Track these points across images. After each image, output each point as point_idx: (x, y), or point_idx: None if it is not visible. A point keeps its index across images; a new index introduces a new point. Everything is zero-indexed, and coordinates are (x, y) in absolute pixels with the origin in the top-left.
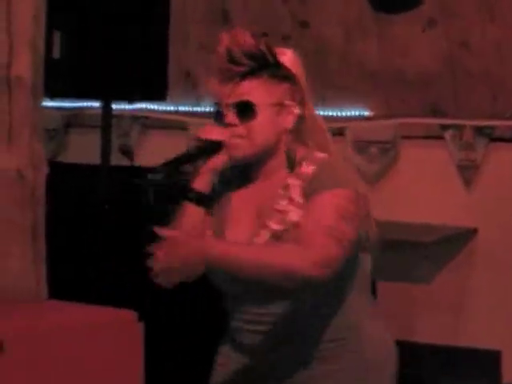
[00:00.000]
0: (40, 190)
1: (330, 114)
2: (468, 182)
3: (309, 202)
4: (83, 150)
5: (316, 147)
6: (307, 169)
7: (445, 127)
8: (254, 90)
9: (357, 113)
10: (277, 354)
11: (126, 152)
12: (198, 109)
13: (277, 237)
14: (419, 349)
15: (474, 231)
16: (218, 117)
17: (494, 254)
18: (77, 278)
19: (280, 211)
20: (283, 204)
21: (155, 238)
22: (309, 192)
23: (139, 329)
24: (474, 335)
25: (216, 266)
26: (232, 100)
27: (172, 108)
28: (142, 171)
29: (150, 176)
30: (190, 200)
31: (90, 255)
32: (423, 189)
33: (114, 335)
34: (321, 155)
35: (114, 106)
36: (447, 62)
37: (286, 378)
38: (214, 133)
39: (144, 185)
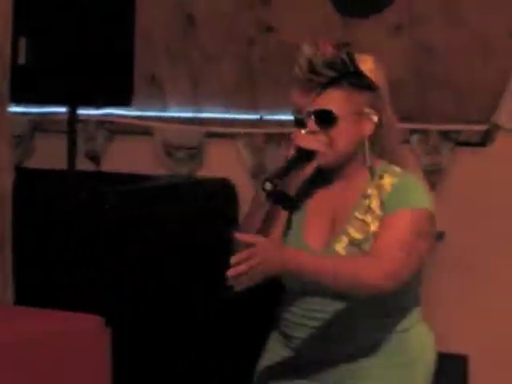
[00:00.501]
0: (7, 196)
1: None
2: (434, 186)
3: (387, 216)
4: (50, 155)
5: (390, 154)
6: (387, 181)
7: (411, 132)
8: (335, 100)
9: None
10: (324, 349)
11: (93, 157)
12: (164, 114)
13: (355, 244)
14: None
15: (441, 235)
16: (298, 125)
17: (460, 258)
18: (44, 285)
19: (360, 220)
20: (363, 213)
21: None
22: (387, 205)
23: (106, 335)
24: (441, 340)
25: (291, 276)
26: (313, 108)
27: (138, 113)
28: (108, 177)
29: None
30: (285, 207)
31: (58, 261)
32: None
33: (80, 341)
34: (399, 169)
35: (80, 112)
36: (413, 67)
37: (328, 371)
38: (310, 141)
39: (109, 192)
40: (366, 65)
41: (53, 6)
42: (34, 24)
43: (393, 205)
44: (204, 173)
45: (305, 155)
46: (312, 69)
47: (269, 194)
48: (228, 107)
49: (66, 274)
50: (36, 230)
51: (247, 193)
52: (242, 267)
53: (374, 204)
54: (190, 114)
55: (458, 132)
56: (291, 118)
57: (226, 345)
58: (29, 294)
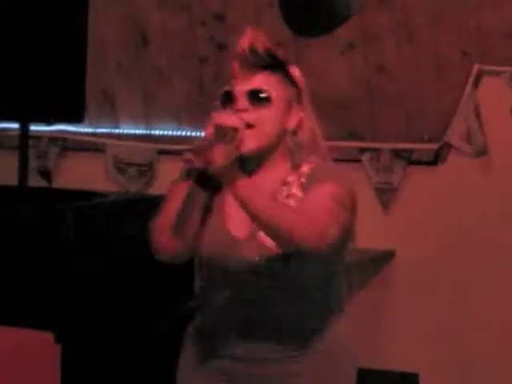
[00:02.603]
0: None
1: None
2: (386, 205)
3: (308, 190)
4: (1, 171)
5: (310, 150)
6: (306, 167)
7: (362, 150)
8: (269, 83)
9: None
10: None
11: (44, 174)
12: (116, 130)
13: None
14: None
15: (392, 253)
16: (226, 102)
17: (411, 276)
18: None
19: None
20: (284, 198)
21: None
22: (308, 183)
23: (56, 351)
24: (392, 358)
25: (237, 199)
26: (247, 87)
27: (90, 130)
28: (60, 194)
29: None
30: (206, 188)
31: (9, 276)
32: None
33: (30, 358)
34: (318, 160)
35: (31, 128)
36: (364, 86)
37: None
38: (231, 119)
39: (63, 209)
40: (295, 70)
41: (5, 22)
42: None
43: (315, 180)
44: (155, 190)
45: (227, 133)
46: (253, 49)
47: (189, 173)
48: (180, 124)
49: (16, 290)
50: None
51: None
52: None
53: (295, 189)
54: (141, 131)
55: (410, 151)
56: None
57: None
58: None
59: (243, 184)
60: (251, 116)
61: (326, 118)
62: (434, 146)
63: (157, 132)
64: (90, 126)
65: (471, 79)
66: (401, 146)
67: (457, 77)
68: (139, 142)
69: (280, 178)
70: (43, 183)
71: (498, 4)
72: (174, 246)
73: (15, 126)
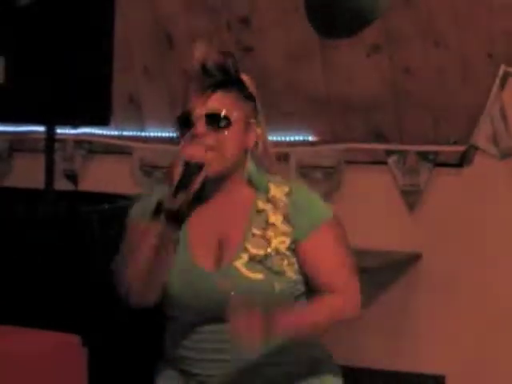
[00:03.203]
0: None
1: (275, 139)
2: (412, 207)
3: (310, 240)
4: (27, 174)
5: (266, 165)
6: (278, 193)
7: (388, 152)
8: (225, 103)
9: (301, 138)
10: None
11: (71, 177)
12: (142, 133)
13: (256, 260)
14: (359, 374)
15: (418, 256)
16: (184, 127)
17: (437, 279)
18: (19, 303)
19: (258, 236)
20: (261, 228)
21: None
22: (297, 225)
23: (83, 354)
24: (418, 360)
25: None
26: (205, 111)
27: (116, 133)
28: (86, 196)
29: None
30: (173, 225)
31: (36, 280)
32: (367, 214)
33: (57, 361)
34: (280, 178)
35: (58, 131)
36: (391, 88)
37: None
38: (196, 152)
39: (88, 213)
40: (246, 77)
41: (32, 25)
42: (13, 43)
43: (305, 225)
44: None
45: (194, 168)
46: (204, 68)
47: (167, 215)
48: None
49: (44, 293)
50: (14, 248)
51: None
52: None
53: (275, 219)
54: (167, 134)
55: (436, 153)
56: (277, 137)
57: None
58: (6, 313)
59: (282, 325)
60: (210, 140)
61: (352, 120)
62: (460, 148)
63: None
64: (116, 128)
65: (497, 81)
66: (427, 148)
67: (483, 79)
68: (165, 144)
69: (246, 203)
70: (69, 186)
71: None
72: (147, 295)
73: (41, 129)
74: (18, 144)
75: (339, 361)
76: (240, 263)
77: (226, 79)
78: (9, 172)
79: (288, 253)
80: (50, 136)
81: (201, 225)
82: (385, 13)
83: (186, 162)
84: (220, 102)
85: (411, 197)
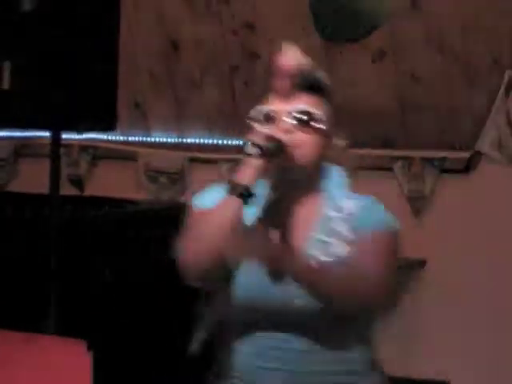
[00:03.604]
0: None
1: None
2: (417, 214)
3: (363, 235)
4: (33, 179)
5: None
6: (348, 204)
7: (394, 158)
8: (312, 104)
9: None
10: None
11: (76, 182)
12: (148, 139)
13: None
14: None
15: (423, 262)
16: (265, 121)
17: (442, 286)
18: (24, 308)
19: (323, 242)
20: (326, 235)
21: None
22: (359, 226)
23: (88, 358)
24: (422, 366)
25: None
26: (293, 108)
27: (122, 138)
28: (92, 201)
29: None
30: (238, 194)
31: (41, 284)
32: None
33: (62, 365)
34: (354, 193)
35: (63, 136)
36: (396, 94)
37: None
38: (278, 132)
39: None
40: (326, 81)
41: (37, 31)
42: (18, 48)
43: (366, 225)
44: (187, 198)
45: (275, 149)
46: (299, 70)
47: (235, 188)
48: (212, 132)
49: (47, 298)
50: (19, 252)
51: None
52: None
53: (342, 227)
54: (173, 139)
55: (442, 159)
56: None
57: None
58: (9, 317)
59: (308, 269)
60: (296, 137)
61: (357, 126)
62: (466, 154)
63: (188, 140)
64: (122, 134)
65: (502, 87)
66: (432, 154)
67: (488, 85)
68: (170, 150)
69: (316, 208)
70: (75, 191)
71: None
72: (214, 273)
73: (47, 134)
74: (23, 149)
75: None
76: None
77: (313, 82)
78: (14, 177)
79: None
80: (56, 141)
81: (267, 223)
82: (390, 18)
83: (270, 138)
84: (307, 102)
85: (416, 203)
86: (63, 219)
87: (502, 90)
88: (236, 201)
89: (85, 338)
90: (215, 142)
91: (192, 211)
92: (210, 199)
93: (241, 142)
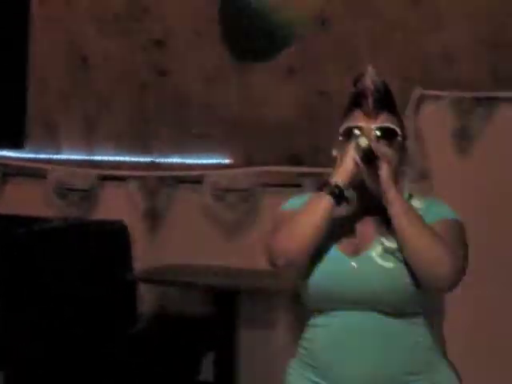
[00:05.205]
0: None
1: (189, 161)
2: None
3: (435, 223)
4: None
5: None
6: (416, 203)
7: (303, 175)
8: (391, 122)
9: (216, 161)
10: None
11: None
12: (57, 156)
13: (389, 252)
14: None
15: None
16: (349, 136)
17: None
18: None
19: (393, 232)
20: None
21: None
22: (426, 217)
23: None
24: None
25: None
26: (378, 124)
27: (31, 155)
28: (1, 219)
29: None
30: (331, 193)
31: None
32: None
33: None
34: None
35: None
36: (305, 110)
37: None
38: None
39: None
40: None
41: None
42: None
43: (433, 215)
44: (97, 215)
45: (369, 152)
46: (382, 90)
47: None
48: (121, 150)
49: None
50: None
51: (140, 235)
52: None
53: None
54: (83, 157)
55: None
56: (191, 160)
57: None
58: None
59: (400, 198)
60: (382, 150)
61: (267, 143)
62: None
63: (98, 157)
64: (31, 151)
65: (412, 104)
66: None
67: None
68: (80, 167)
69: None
70: None
71: (437, 29)
72: (297, 265)
73: None
74: None
75: None
76: (375, 253)
77: (389, 101)
78: None
79: None
80: None
81: (346, 219)
82: (300, 37)
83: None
84: (387, 120)
85: None
86: None
87: (411, 107)
88: (327, 200)
89: None
90: (125, 159)
91: (282, 213)
92: (298, 203)
93: (149, 160)
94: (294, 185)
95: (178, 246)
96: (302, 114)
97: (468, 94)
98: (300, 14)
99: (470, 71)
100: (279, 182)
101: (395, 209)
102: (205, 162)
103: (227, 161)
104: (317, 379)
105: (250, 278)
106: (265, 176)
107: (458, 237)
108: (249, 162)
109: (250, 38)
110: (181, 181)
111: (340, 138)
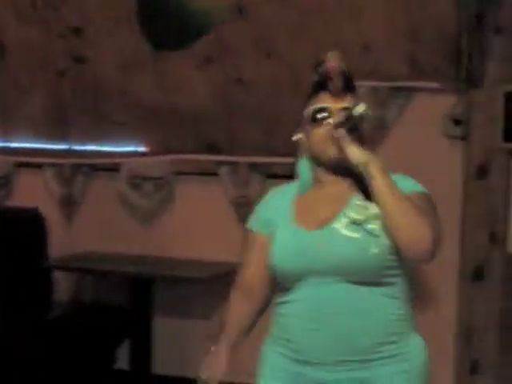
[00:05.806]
0: None
1: (106, 149)
2: (243, 219)
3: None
4: None
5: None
6: None
7: (220, 163)
8: (355, 102)
9: (132, 149)
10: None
11: None
12: None
13: (356, 224)
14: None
15: None
16: (317, 117)
17: None
18: None
19: (359, 205)
20: (362, 199)
21: None
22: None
23: None
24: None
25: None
26: (344, 105)
27: None
28: None
29: None
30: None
31: None
32: (198, 225)
33: None
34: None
35: None
36: (222, 99)
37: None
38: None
39: None
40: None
41: None
42: None
43: (403, 189)
44: (13, 202)
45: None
46: (344, 73)
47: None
48: (37, 137)
49: None
50: None
51: (55, 222)
52: None
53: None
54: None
55: (267, 164)
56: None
57: None
58: None
59: (384, 172)
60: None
61: (183, 131)
62: (292, 160)
63: (15, 144)
64: None
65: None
66: (258, 159)
67: None
68: None
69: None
70: None
71: (355, 17)
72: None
73: None
74: None
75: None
76: (340, 225)
77: (353, 83)
78: None
79: None
80: None
81: (309, 197)
82: (217, 25)
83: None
84: (353, 100)
85: (242, 208)
86: None
87: None
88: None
89: None
90: (42, 146)
91: (247, 234)
92: (263, 218)
93: (65, 147)
94: (210, 173)
95: (93, 234)
96: (219, 103)
97: (385, 84)
98: (217, 3)
99: (387, 61)
100: (196, 170)
101: (378, 183)
102: (121, 149)
103: (144, 149)
104: (291, 353)
105: (165, 266)
106: (181, 164)
107: (431, 208)
108: (166, 150)
109: (167, 26)
110: (97, 168)
111: (307, 121)
